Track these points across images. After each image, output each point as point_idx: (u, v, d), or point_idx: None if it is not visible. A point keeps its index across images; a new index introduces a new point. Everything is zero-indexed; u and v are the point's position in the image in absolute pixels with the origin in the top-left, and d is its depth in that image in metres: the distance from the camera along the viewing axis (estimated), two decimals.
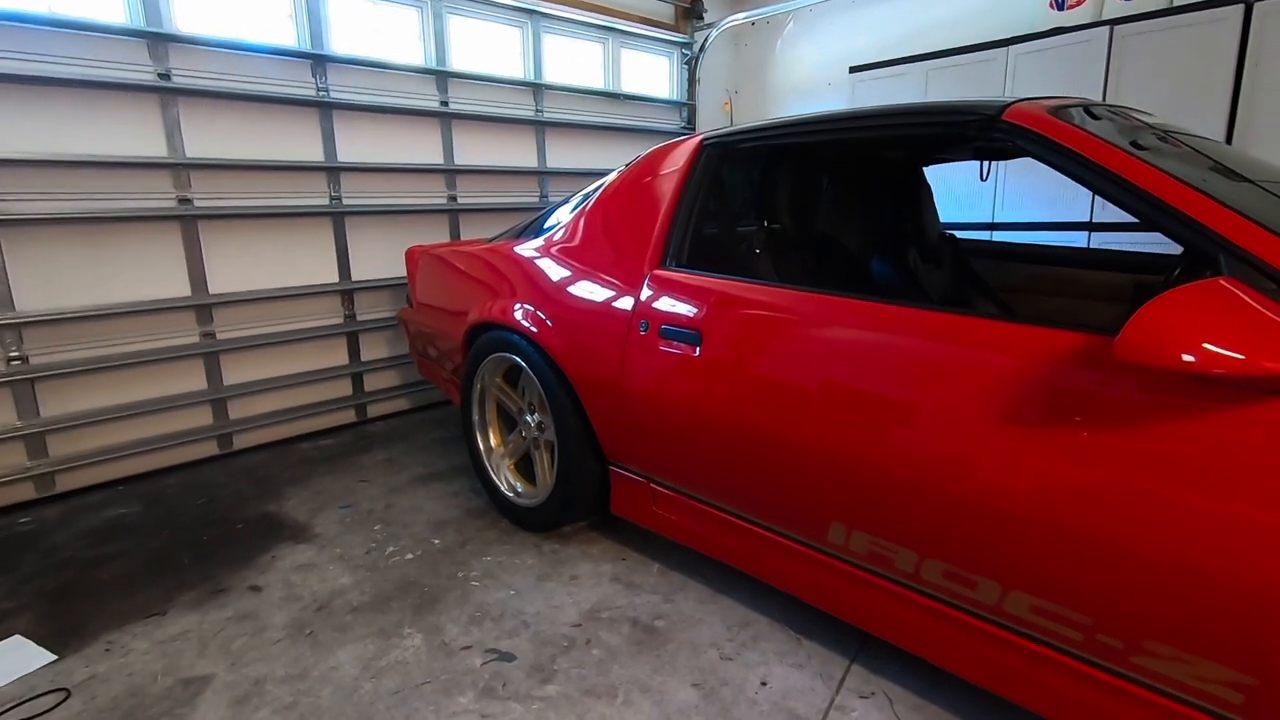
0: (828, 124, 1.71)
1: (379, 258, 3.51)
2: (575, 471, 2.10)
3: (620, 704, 1.54)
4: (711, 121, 5.17)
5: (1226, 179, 1.32)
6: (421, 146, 3.63)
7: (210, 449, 3.10)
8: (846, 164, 2.24)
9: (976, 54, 3.62)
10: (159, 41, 2.73)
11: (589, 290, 2.04)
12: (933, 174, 2.43)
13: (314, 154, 3.24)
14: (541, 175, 4.20)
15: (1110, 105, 1.64)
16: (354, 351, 3.53)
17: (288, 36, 3.16)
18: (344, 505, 2.58)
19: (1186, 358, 0.93)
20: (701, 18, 4.93)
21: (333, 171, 3.29)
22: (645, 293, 1.87)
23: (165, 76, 2.75)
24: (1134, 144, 1.28)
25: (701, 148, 1.96)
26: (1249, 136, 2.86)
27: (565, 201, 2.45)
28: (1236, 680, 1.01)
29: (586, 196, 2.28)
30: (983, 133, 1.40)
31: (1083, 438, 1.11)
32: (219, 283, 3.02)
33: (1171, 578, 1.04)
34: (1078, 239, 3.32)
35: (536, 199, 4.17)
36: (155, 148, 2.79)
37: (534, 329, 2.11)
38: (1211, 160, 1.39)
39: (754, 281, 1.70)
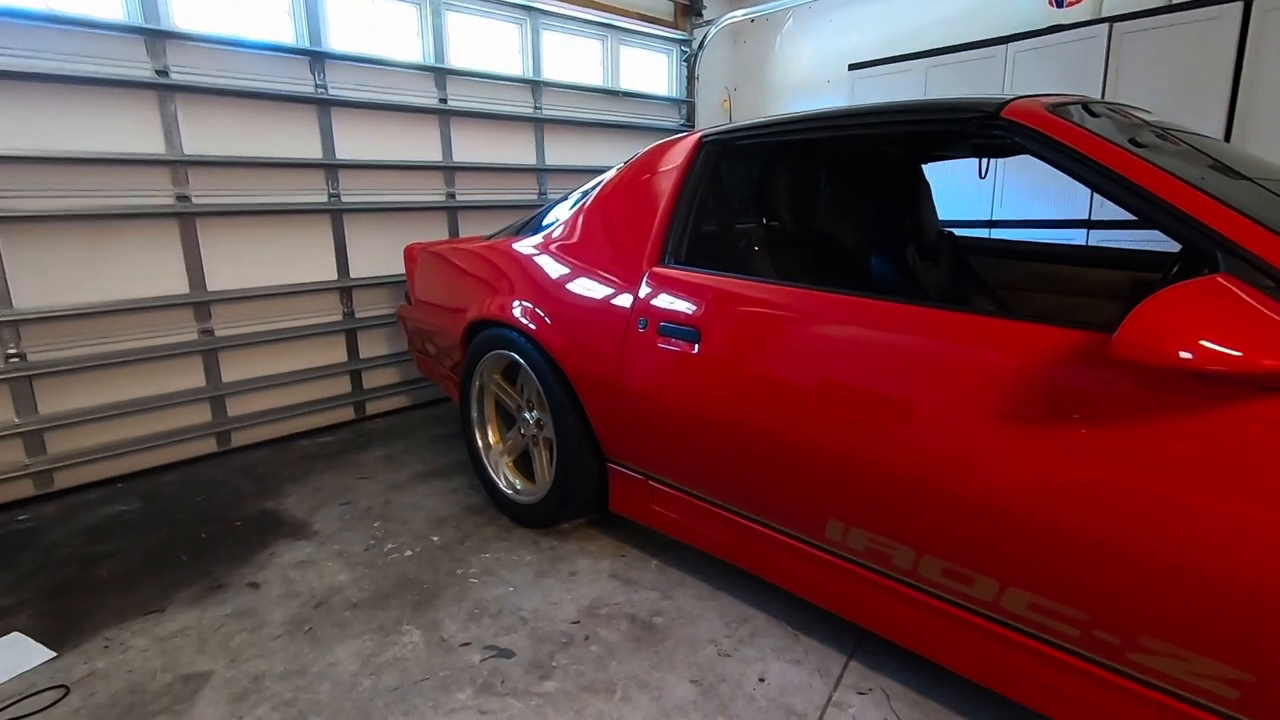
0: (827, 121, 1.71)
1: (377, 255, 3.51)
2: (574, 468, 2.11)
3: (618, 700, 1.55)
4: (710, 119, 5.17)
5: (1225, 176, 1.32)
6: (420, 144, 3.63)
7: (209, 446, 3.09)
8: (845, 161, 2.24)
9: (976, 51, 3.62)
10: (157, 38, 2.72)
11: (588, 287, 2.04)
12: (931, 171, 2.42)
13: (312, 151, 3.23)
14: (540, 172, 4.19)
15: (1109, 103, 1.64)
16: (353, 349, 3.52)
17: (286, 33, 3.15)
18: (343, 502, 2.59)
19: (1184, 355, 0.93)
20: (701, 15, 4.92)
21: (331, 168, 3.28)
22: (644, 290, 1.87)
23: (163, 73, 2.75)
24: (1132, 141, 1.28)
25: (700, 145, 1.95)
26: (1248, 134, 2.86)
27: (564, 199, 2.45)
28: (1233, 677, 1.02)
29: (585, 194, 2.28)
30: (982, 130, 1.40)
31: (1080, 435, 1.11)
32: (217, 280, 3.01)
33: (1168, 574, 1.04)
34: (1076, 236, 3.32)
35: (535, 196, 4.17)
36: (153, 145, 2.78)
37: (532, 326, 2.11)
38: (1210, 158, 1.39)
39: (753, 279, 1.70)
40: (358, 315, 3.49)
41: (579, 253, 2.13)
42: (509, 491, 2.38)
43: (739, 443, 1.64)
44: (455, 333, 2.49)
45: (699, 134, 1.99)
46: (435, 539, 2.28)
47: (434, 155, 3.69)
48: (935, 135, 2.01)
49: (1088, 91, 3.10)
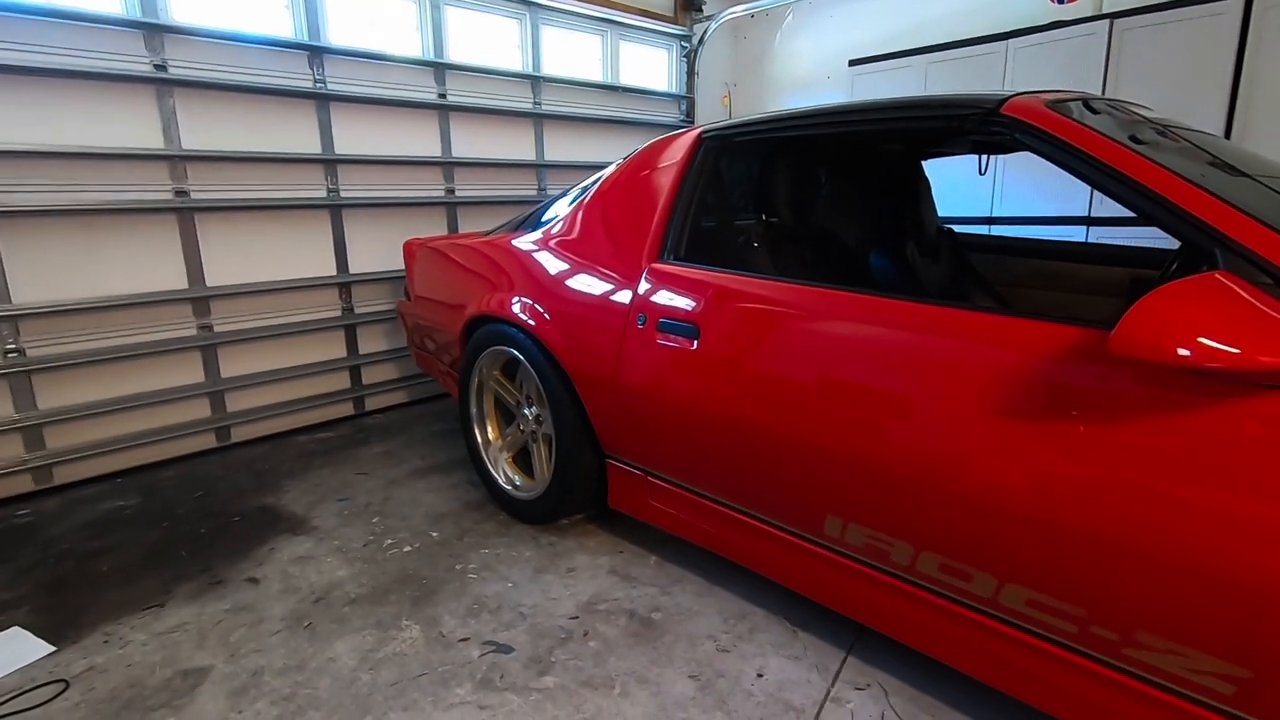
0: (827, 117, 1.71)
1: (376, 250, 3.50)
2: (573, 465, 2.11)
3: (617, 695, 1.55)
4: (710, 114, 5.16)
5: (1224, 174, 1.32)
6: (419, 139, 3.62)
7: (208, 441, 3.10)
8: (845, 157, 2.24)
9: (976, 48, 3.62)
10: (155, 32, 2.71)
11: (587, 283, 2.03)
12: (931, 168, 2.42)
13: (311, 146, 3.22)
14: (539, 168, 4.19)
15: (1109, 99, 1.63)
16: (352, 344, 3.52)
17: (284, 28, 3.14)
18: (342, 498, 2.59)
19: (1182, 352, 0.93)
20: (701, 10, 4.91)
21: (330, 164, 3.27)
22: (643, 286, 1.87)
23: (161, 67, 2.74)
24: (1132, 138, 1.28)
25: (700, 141, 1.95)
26: (1248, 131, 2.86)
27: (563, 194, 2.44)
28: (1229, 673, 1.02)
29: (585, 189, 2.28)
30: (981, 126, 1.40)
31: (1078, 431, 1.11)
32: (216, 275, 3.01)
33: (1166, 571, 1.04)
34: (1076, 233, 3.32)
35: (534, 192, 4.16)
36: (151, 139, 2.77)
37: (532, 322, 2.11)
38: (1209, 155, 1.39)
39: (752, 275, 1.70)
40: (357, 311, 3.49)
41: (578, 249, 2.12)
42: (508, 487, 2.39)
43: (738, 439, 1.64)
44: (454, 328, 2.49)
45: (699, 130, 1.98)
46: (434, 534, 2.29)
47: (433, 150, 3.68)
48: (935, 131, 2.00)
49: (1088, 88, 3.10)
